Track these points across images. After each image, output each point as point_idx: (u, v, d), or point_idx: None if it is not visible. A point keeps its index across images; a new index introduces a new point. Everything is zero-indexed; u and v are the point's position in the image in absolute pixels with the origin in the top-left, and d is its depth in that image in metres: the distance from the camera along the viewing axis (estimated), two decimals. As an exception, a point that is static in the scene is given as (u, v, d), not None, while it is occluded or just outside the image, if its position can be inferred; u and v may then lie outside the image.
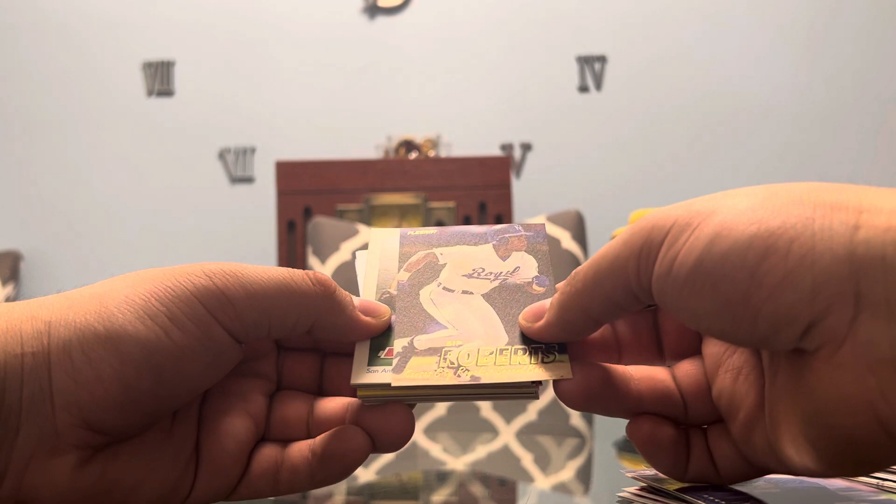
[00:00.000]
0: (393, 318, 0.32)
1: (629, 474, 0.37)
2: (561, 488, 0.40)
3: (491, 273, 0.34)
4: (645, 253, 0.27)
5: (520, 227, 0.36)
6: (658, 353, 0.33)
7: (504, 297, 0.33)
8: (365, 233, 1.82)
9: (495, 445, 0.57)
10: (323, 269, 1.74)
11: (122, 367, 0.26)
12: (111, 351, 0.26)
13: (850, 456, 0.25)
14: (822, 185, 0.25)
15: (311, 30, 2.62)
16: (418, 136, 2.48)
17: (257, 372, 0.32)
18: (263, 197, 2.54)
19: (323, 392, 0.33)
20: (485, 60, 2.62)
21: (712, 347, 0.32)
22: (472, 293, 0.33)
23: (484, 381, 0.29)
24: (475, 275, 0.34)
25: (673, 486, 0.34)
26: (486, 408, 0.71)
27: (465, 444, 0.59)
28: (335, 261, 1.75)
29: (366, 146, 2.53)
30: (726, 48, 2.62)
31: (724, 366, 0.31)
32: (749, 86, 2.61)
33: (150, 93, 2.61)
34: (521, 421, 0.65)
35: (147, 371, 0.27)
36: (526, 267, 0.34)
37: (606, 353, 0.32)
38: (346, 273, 1.72)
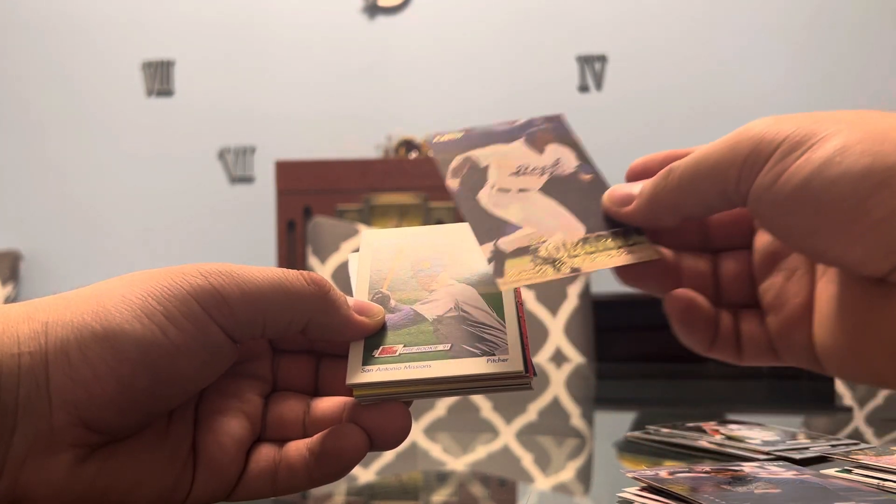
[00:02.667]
0: (387, 317, 0.32)
1: (630, 474, 0.36)
2: (561, 488, 0.40)
3: (536, 168, 0.34)
4: (750, 162, 0.28)
5: (539, 121, 0.36)
6: (702, 242, 0.34)
7: (559, 188, 0.33)
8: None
9: (495, 445, 0.57)
10: (323, 269, 1.74)
11: (120, 366, 0.27)
12: (108, 349, 0.27)
13: None
14: None
15: (311, 29, 2.62)
16: (418, 136, 2.48)
17: (252, 373, 0.33)
18: (263, 197, 2.54)
19: (318, 393, 0.33)
20: (485, 60, 2.62)
21: (767, 244, 0.33)
22: (527, 190, 0.33)
23: (584, 270, 0.30)
24: (522, 172, 0.34)
25: (674, 486, 0.34)
26: (486, 408, 0.71)
27: (465, 444, 0.59)
28: (335, 261, 1.75)
29: (366, 146, 2.53)
30: (727, 48, 2.62)
31: (778, 264, 0.32)
32: (749, 86, 2.61)
33: (149, 93, 2.61)
34: (521, 421, 0.65)
35: (144, 369, 0.27)
36: (566, 158, 0.35)
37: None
38: (346, 273, 1.72)
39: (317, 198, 2.14)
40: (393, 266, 0.35)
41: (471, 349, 0.30)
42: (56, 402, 0.26)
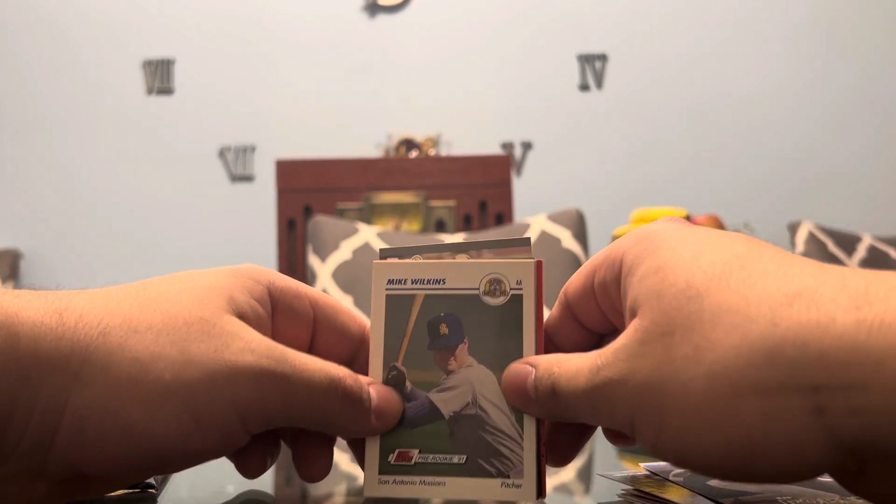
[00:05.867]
0: (406, 406, 0.31)
1: (613, 475, 0.36)
2: (561, 488, 0.40)
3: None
4: (618, 426, 0.27)
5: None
6: None
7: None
8: (365, 231, 1.82)
9: (495, 445, 0.56)
10: (323, 267, 1.74)
11: (130, 458, 0.26)
12: (124, 442, 0.26)
13: None
14: (751, 342, 0.23)
15: (312, 28, 2.62)
16: (419, 135, 2.48)
17: None
18: (263, 195, 2.54)
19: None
20: (485, 58, 2.62)
21: None
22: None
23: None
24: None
25: (646, 487, 0.33)
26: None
27: (465, 443, 0.58)
28: (335, 260, 1.75)
29: (366, 144, 2.53)
30: (727, 47, 2.61)
31: None
32: (750, 84, 2.61)
33: (149, 91, 2.61)
34: (521, 420, 0.65)
35: (155, 464, 0.27)
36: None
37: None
38: (346, 272, 1.72)
39: (317, 196, 2.14)
40: (409, 325, 0.32)
41: (486, 466, 0.30)
42: (54, 457, 0.25)
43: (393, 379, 0.32)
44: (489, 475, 0.30)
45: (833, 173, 2.58)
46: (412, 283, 0.33)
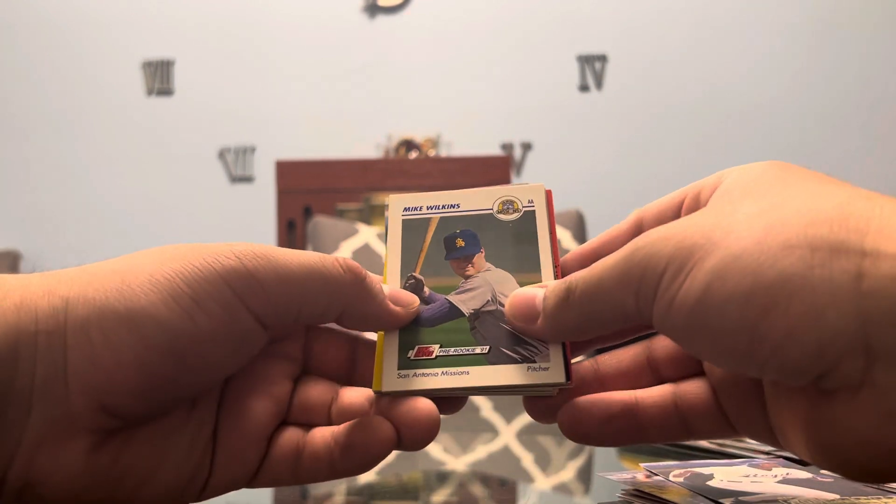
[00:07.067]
0: (421, 308, 0.31)
1: (612, 476, 0.36)
2: (561, 488, 0.40)
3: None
4: (644, 290, 0.26)
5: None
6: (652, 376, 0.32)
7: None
8: (365, 232, 1.82)
9: (495, 445, 0.57)
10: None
11: (144, 352, 0.25)
12: (132, 334, 0.25)
13: (866, 478, 0.25)
14: (821, 208, 0.24)
15: (312, 28, 2.62)
16: (418, 136, 2.48)
17: (283, 354, 0.31)
18: (263, 196, 2.54)
19: (352, 376, 0.32)
20: (485, 59, 2.62)
21: None
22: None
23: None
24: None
25: (646, 487, 0.33)
26: (486, 408, 0.71)
27: (465, 444, 0.58)
28: (335, 260, 1.75)
29: (366, 145, 2.53)
30: (727, 48, 2.62)
31: None
32: (750, 85, 2.61)
33: (149, 92, 2.61)
34: (521, 421, 0.65)
35: (169, 356, 0.26)
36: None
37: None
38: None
39: (317, 197, 2.14)
40: (426, 242, 0.33)
41: (510, 353, 0.29)
42: (74, 386, 0.25)
43: (411, 287, 0.32)
44: (514, 361, 0.29)
45: (833, 173, 2.58)
46: (427, 209, 0.34)
